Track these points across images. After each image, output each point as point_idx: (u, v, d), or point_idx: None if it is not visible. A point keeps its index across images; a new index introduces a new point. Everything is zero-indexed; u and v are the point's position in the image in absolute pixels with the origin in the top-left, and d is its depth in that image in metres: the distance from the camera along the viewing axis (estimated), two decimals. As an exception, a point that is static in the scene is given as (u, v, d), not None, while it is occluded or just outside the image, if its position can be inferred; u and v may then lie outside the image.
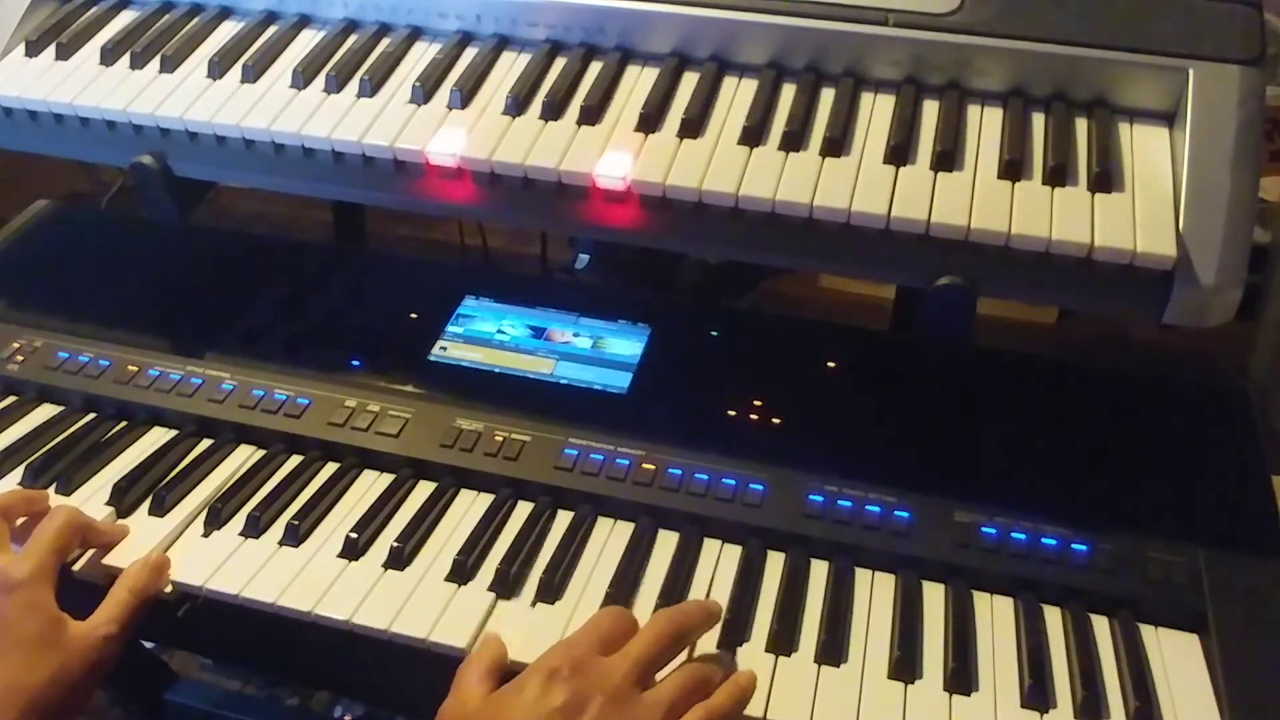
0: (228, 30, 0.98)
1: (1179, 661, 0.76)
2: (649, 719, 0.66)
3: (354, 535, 0.81)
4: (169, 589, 0.79)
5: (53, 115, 0.93)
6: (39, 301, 1.04)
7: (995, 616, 0.79)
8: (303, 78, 0.91)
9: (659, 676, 0.69)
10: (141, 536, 0.82)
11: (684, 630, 0.72)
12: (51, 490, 0.86)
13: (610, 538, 0.84)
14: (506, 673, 0.70)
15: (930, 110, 0.86)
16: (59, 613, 0.75)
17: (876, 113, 0.86)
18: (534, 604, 0.78)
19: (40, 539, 0.77)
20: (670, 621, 0.71)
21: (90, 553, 0.80)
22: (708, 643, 0.75)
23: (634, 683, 0.67)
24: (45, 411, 0.95)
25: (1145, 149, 0.82)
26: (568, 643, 0.69)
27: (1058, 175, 0.80)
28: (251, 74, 0.92)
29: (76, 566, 0.80)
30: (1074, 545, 0.81)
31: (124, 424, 0.94)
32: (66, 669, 0.73)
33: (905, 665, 0.74)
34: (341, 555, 0.81)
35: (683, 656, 0.72)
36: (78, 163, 0.98)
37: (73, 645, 0.74)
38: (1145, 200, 0.78)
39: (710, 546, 0.83)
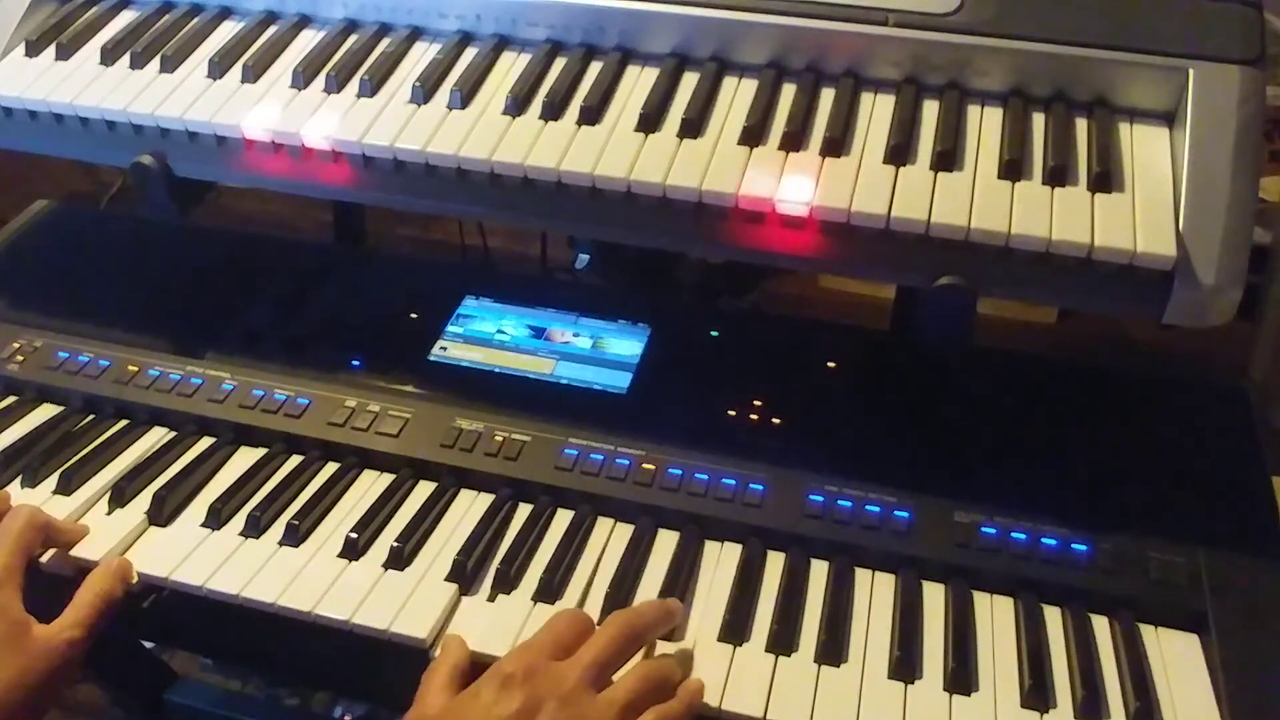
0: (228, 30, 0.98)
1: (1179, 661, 0.76)
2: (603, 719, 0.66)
3: (354, 535, 0.82)
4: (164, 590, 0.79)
5: (53, 115, 0.93)
6: (39, 301, 1.04)
7: (995, 616, 0.79)
8: (303, 78, 0.91)
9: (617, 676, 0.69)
10: (141, 536, 0.83)
11: (639, 630, 0.72)
12: (51, 490, 0.86)
13: (610, 538, 0.84)
14: (473, 672, 0.70)
15: (930, 110, 0.86)
16: (25, 615, 0.75)
17: (876, 113, 0.86)
18: (534, 604, 0.78)
19: (3, 540, 0.77)
20: (625, 623, 0.72)
21: (54, 549, 0.81)
22: (707, 639, 0.75)
23: (588, 685, 0.67)
24: (45, 411, 0.95)
25: (1145, 149, 0.82)
26: (522, 647, 0.70)
27: (1058, 175, 0.80)
28: (251, 74, 0.92)
29: (44, 559, 0.80)
30: (1074, 545, 0.81)
31: (124, 424, 0.94)
32: (30, 672, 0.73)
33: (905, 665, 0.74)
34: (341, 555, 0.81)
35: (639, 655, 0.73)
36: (78, 163, 0.98)
37: (37, 648, 0.74)
38: (1145, 200, 0.78)
39: (710, 546, 0.83)
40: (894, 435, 0.91)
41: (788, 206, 0.80)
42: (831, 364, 0.98)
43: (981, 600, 0.80)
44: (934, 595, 0.80)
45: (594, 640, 0.70)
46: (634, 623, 0.72)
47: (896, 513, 0.83)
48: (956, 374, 0.96)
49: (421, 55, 0.94)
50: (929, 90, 0.87)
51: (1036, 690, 0.73)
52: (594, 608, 0.77)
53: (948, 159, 0.81)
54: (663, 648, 0.75)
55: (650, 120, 0.86)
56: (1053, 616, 0.79)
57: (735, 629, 0.76)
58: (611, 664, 0.70)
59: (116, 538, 0.82)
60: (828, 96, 0.87)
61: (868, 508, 0.83)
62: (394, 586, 0.79)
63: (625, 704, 0.67)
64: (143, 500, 0.85)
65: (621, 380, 0.96)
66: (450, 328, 1.01)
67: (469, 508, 0.86)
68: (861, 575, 0.81)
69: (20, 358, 0.98)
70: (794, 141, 0.83)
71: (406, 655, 0.75)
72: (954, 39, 0.86)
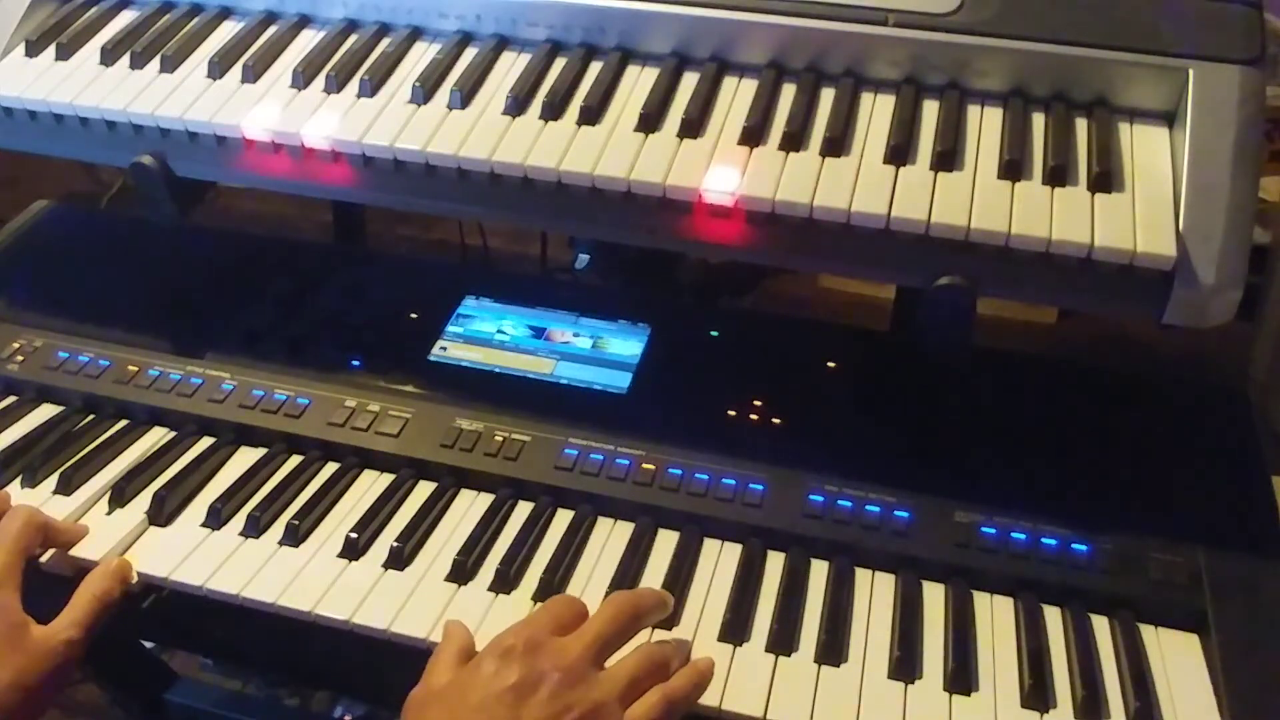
0: (228, 30, 0.98)
1: (1179, 661, 0.76)
2: (605, 697, 0.66)
3: (354, 535, 0.82)
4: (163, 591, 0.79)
5: (53, 115, 0.93)
6: (39, 301, 1.04)
7: (995, 616, 0.79)
8: (303, 78, 0.91)
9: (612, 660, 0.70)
10: (141, 537, 0.83)
11: (639, 612, 0.73)
12: (51, 490, 0.86)
13: (610, 538, 0.84)
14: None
15: (930, 110, 0.86)
16: (23, 616, 0.75)
17: (876, 113, 0.86)
18: (534, 604, 0.78)
19: (1, 541, 0.77)
20: (626, 603, 0.72)
21: (53, 549, 0.81)
22: (707, 639, 0.75)
23: (590, 661, 0.68)
24: (45, 411, 0.95)
25: (1145, 149, 0.82)
26: (522, 623, 0.71)
27: (1058, 175, 0.80)
28: (251, 74, 0.92)
29: (43, 560, 0.80)
30: (1074, 545, 0.81)
31: (124, 424, 0.94)
32: (28, 672, 0.73)
33: (905, 665, 0.74)
34: (341, 555, 0.81)
35: (643, 636, 0.73)
36: (78, 163, 0.98)
37: (35, 649, 0.74)
38: (1145, 200, 0.78)
39: (710, 546, 0.83)
40: (894, 435, 0.91)
41: (787, 207, 0.80)
42: (831, 364, 0.98)
43: (981, 600, 0.80)
44: (934, 595, 0.80)
45: (596, 618, 0.71)
46: (635, 603, 0.73)
47: (896, 513, 0.83)
48: (956, 374, 0.96)
49: (421, 55, 0.94)
50: (929, 90, 0.87)
51: (1036, 690, 0.73)
52: (594, 608, 0.77)
53: (948, 159, 0.81)
54: (661, 638, 0.75)
55: (650, 120, 0.85)
56: (1053, 616, 0.79)
57: (735, 629, 0.76)
58: (613, 642, 0.70)
59: (116, 538, 0.82)
60: (828, 96, 0.87)
61: (868, 508, 0.83)
62: (394, 586, 0.79)
63: (628, 681, 0.68)
64: (143, 500, 0.85)
65: (621, 380, 0.96)
66: (450, 328, 1.01)
67: (469, 508, 0.86)
68: (861, 575, 0.81)
69: (20, 358, 0.98)
70: (794, 141, 0.83)
71: (406, 655, 0.75)
72: (954, 39, 0.86)
